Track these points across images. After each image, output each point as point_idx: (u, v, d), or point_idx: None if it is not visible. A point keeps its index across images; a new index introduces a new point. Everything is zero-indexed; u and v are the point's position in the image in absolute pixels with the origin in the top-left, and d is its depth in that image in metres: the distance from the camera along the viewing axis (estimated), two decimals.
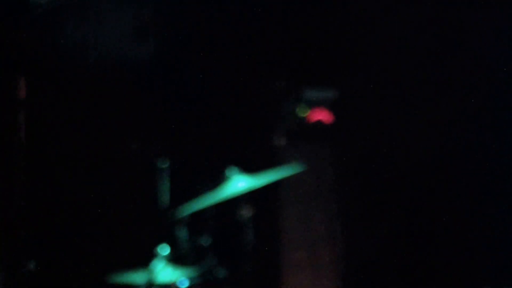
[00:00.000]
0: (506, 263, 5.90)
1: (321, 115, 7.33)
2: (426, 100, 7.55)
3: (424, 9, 7.69)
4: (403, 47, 7.71)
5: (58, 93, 6.94)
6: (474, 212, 6.72)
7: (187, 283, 5.14)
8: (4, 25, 1.65)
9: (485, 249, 6.79)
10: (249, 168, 5.77)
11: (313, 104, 7.33)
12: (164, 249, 5.42)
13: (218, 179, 5.67)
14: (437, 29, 7.66)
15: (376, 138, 7.60)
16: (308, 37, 7.60)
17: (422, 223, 7.45)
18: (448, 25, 7.68)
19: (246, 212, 5.87)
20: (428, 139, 7.54)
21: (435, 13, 7.72)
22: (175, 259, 5.43)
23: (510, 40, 7.06)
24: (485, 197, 6.75)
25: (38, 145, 6.39)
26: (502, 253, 6.11)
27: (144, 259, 5.45)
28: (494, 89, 7.14)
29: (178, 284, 5.15)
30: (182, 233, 5.55)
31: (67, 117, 6.97)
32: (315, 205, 7.36)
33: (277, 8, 7.50)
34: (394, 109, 7.60)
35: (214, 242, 5.63)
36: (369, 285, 7.53)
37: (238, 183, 5.59)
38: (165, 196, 5.88)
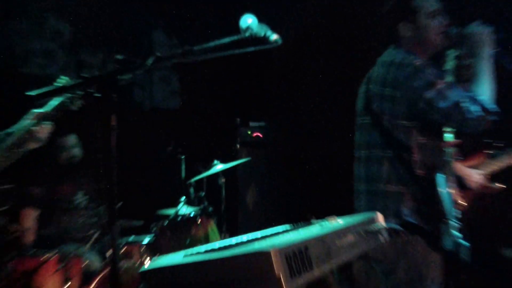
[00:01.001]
0: None
1: (257, 133, 7.36)
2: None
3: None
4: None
5: (131, 124, 6.96)
6: None
7: (193, 213, 5.12)
8: (108, 90, 1.70)
9: None
10: (223, 159, 5.78)
11: (253, 129, 7.36)
12: (183, 198, 5.41)
13: (208, 165, 5.67)
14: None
15: (289, 145, 7.66)
16: (252, 99, 7.64)
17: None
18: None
19: (222, 180, 5.88)
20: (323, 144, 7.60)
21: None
22: (188, 202, 5.43)
23: None
24: None
25: (123, 152, 6.41)
26: None
27: (174, 203, 5.43)
28: None
29: (190, 214, 5.14)
30: (191, 190, 5.56)
31: (136, 137, 7.00)
32: (255, 176, 7.40)
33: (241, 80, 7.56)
34: (300, 130, 7.65)
35: (206, 195, 5.63)
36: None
37: (218, 166, 5.61)
38: (183, 172, 5.87)
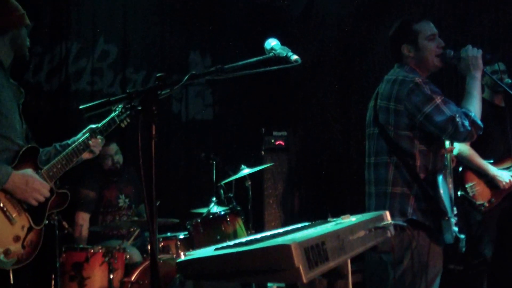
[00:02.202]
0: None
1: (280, 141, 7.34)
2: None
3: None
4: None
5: (169, 133, 7.00)
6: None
7: (223, 212, 5.11)
8: (149, 103, 1.72)
9: None
10: (250, 164, 5.77)
11: (276, 138, 7.34)
12: (214, 198, 5.41)
13: (236, 169, 5.67)
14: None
15: (307, 152, 7.63)
16: (275, 111, 7.64)
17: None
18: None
19: (248, 183, 5.87)
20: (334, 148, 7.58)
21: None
22: (219, 202, 5.42)
23: None
24: None
25: (162, 158, 6.49)
26: None
27: (206, 203, 5.43)
28: None
29: (220, 213, 5.13)
30: (221, 191, 5.54)
31: (174, 144, 7.03)
32: (278, 179, 7.36)
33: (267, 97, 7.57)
34: (317, 138, 7.62)
35: (235, 196, 5.61)
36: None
37: (245, 170, 5.60)
38: (214, 175, 5.86)
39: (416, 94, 3.26)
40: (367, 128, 3.62)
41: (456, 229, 3.27)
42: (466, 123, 3.19)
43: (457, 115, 3.18)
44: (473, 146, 4.78)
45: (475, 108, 3.30)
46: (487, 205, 4.69)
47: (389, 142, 3.39)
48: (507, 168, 4.76)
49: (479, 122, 3.26)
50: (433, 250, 3.28)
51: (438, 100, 3.22)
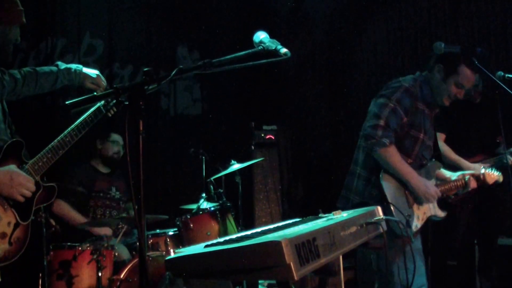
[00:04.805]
0: None
1: (270, 135, 7.34)
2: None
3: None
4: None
5: (158, 128, 6.97)
6: None
7: (213, 208, 5.09)
8: (136, 98, 1.71)
9: None
10: (240, 159, 5.75)
11: (266, 132, 7.33)
12: (203, 194, 5.39)
13: (226, 164, 5.65)
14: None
15: (297, 146, 7.64)
16: (265, 105, 7.63)
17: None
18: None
19: (238, 178, 5.86)
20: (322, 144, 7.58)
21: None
22: (208, 198, 5.39)
23: None
24: None
25: (150, 154, 6.46)
26: None
27: (196, 199, 5.42)
28: None
29: (210, 209, 5.11)
30: (211, 187, 5.51)
31: (162, 140, 7.01)
32: (268, 174, 7.35)
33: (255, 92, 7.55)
34: (307, 132, 7.62)
35: (224, 191, 5.59)
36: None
37: (235, 165, 5.59)
38: (204, 171, 5.85)
39: (391, 88, 3.48)
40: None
41: (396, 218, 3.35)
42: (376, 134, 3.38)
43: (382, 126, 3.37)
44: (448, 142, 4.89)
45: (388, 163, 3.43)
46: (453, 197, 4.74)
47: None
48: (478, 162, 4.86)
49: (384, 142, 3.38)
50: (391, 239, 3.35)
51: (392, 104, 3.41)
